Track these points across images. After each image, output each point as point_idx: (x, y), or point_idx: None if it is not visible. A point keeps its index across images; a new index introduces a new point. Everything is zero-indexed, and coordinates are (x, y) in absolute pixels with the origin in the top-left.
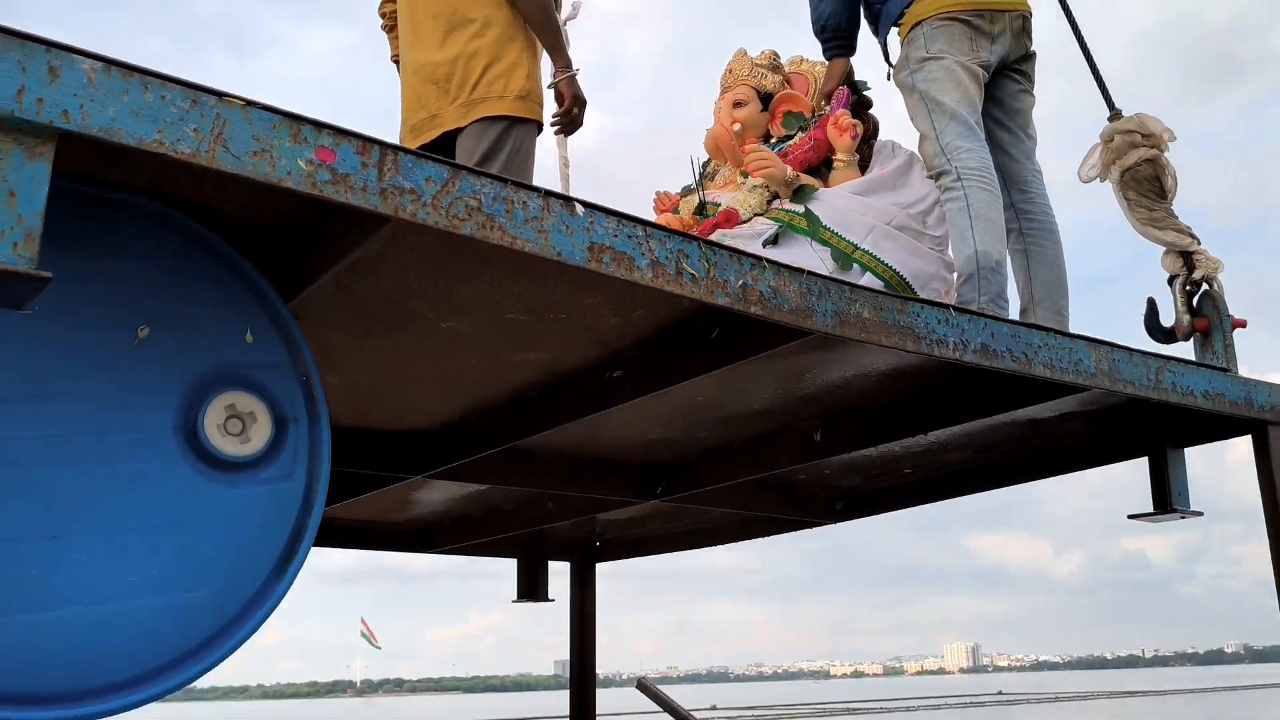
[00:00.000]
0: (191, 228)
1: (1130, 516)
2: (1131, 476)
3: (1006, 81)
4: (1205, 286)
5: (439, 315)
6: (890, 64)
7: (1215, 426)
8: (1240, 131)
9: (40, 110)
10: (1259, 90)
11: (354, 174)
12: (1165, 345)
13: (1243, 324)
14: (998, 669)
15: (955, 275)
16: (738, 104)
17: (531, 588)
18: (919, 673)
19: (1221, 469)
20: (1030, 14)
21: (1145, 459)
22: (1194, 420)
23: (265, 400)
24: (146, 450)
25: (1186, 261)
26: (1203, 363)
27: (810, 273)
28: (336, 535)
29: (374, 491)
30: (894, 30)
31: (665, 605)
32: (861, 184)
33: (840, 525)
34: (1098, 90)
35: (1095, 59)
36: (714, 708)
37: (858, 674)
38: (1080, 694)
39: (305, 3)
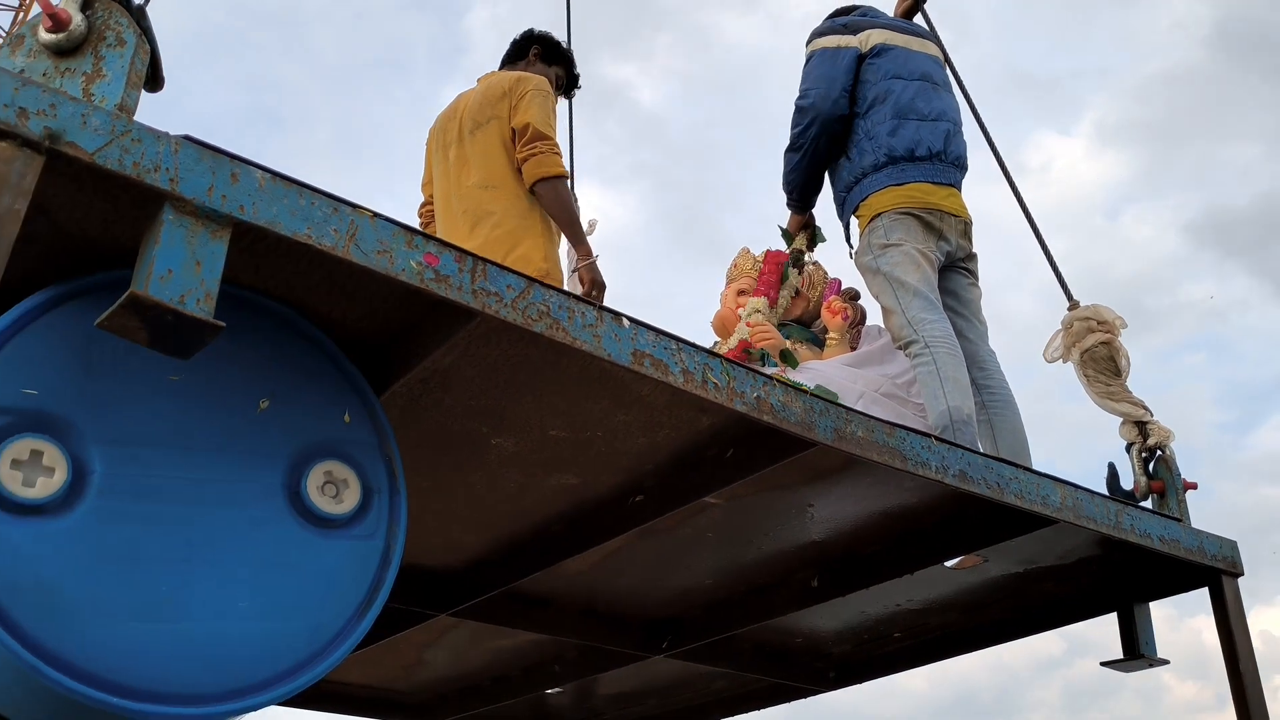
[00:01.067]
0: (310, 329)
1: (1103, 664)
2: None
3: (956, 276)
4: (1159, 452)
5: (490, 431)
6: (850, 244)
7: (1175, 579)
8: (1151, 376)
9: (224, 204)
10: (1168, 339)
11: (452, 276)
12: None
13: (1193, 486)
14: None
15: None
16: (741, 292)
17: None
18: None
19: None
20: (971, 222)
21: (1115, 614)
22: (1155, 574)
23: (356, 471)
24: (262, 501)
25: (1141, 431)
26: (1158, 511)
27: (811, 393)
28: (346, 702)
29: (393, 636)
30: (853, 219)
31: None
32: (852, 358)
33: None
34: (1058, 284)
35: (1055, 260)
36: None
37: None
38: None
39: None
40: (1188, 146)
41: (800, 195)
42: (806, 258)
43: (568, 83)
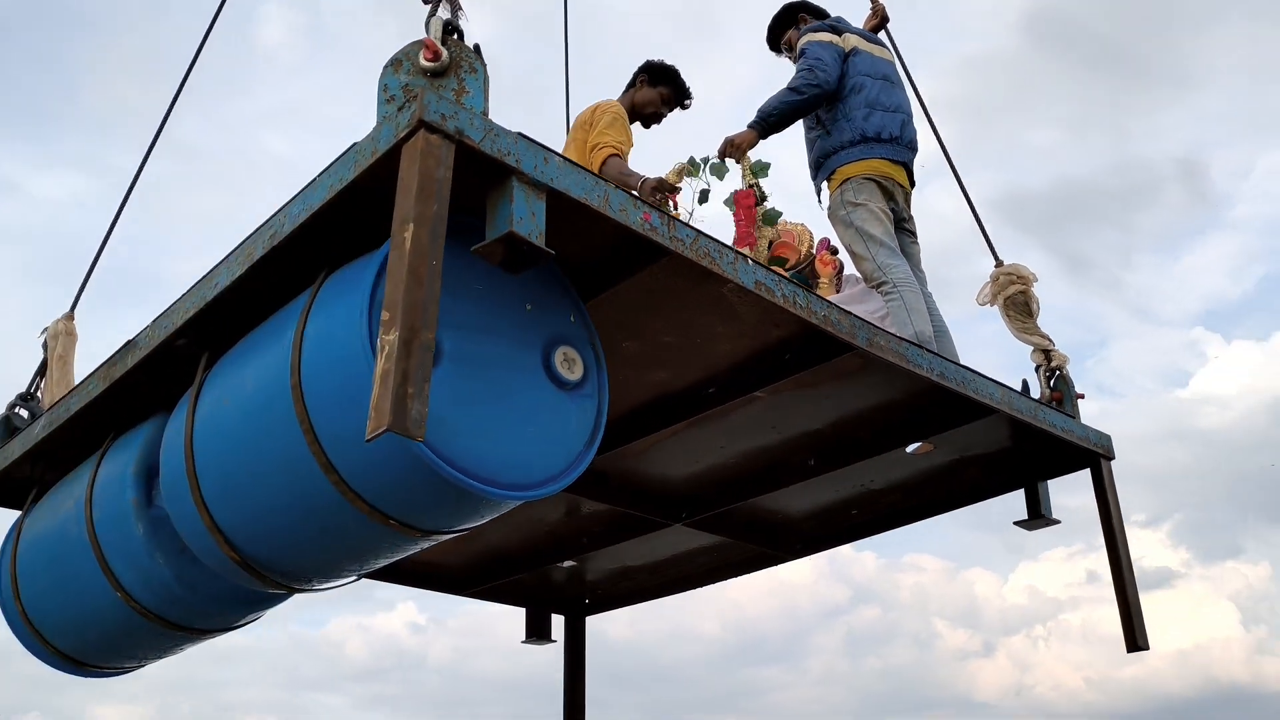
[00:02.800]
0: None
1: (1015, 523)
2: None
3: (902, 236)
4: (1059, 371)
5: (624, 337)
6: (821, 202)
7: (1068, 461)
8: None
9: (543, 176)
10: (964, 309)
11: (659, 227)
12: None
13: (1082, 396)
14: None
15: None
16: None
17: (538, 630)
18: None
19: (928, 663)
20: (911, 191)
21: (1022, 490)
22: (1054, 459)
23: (580, 353)
24: (534, 370)
25: (1046, 356)
26: (1061, 410)
27: (856, 316)
28: (393, 573)
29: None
30: (825, 182)
31: None
32: (840, 299)
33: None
34: (987, 247)
35: (986, 229)
36: None
37: None
38: None
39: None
40: (995, 127)
41: (773, 126)
42: (765, 198)
43: (676, 96)
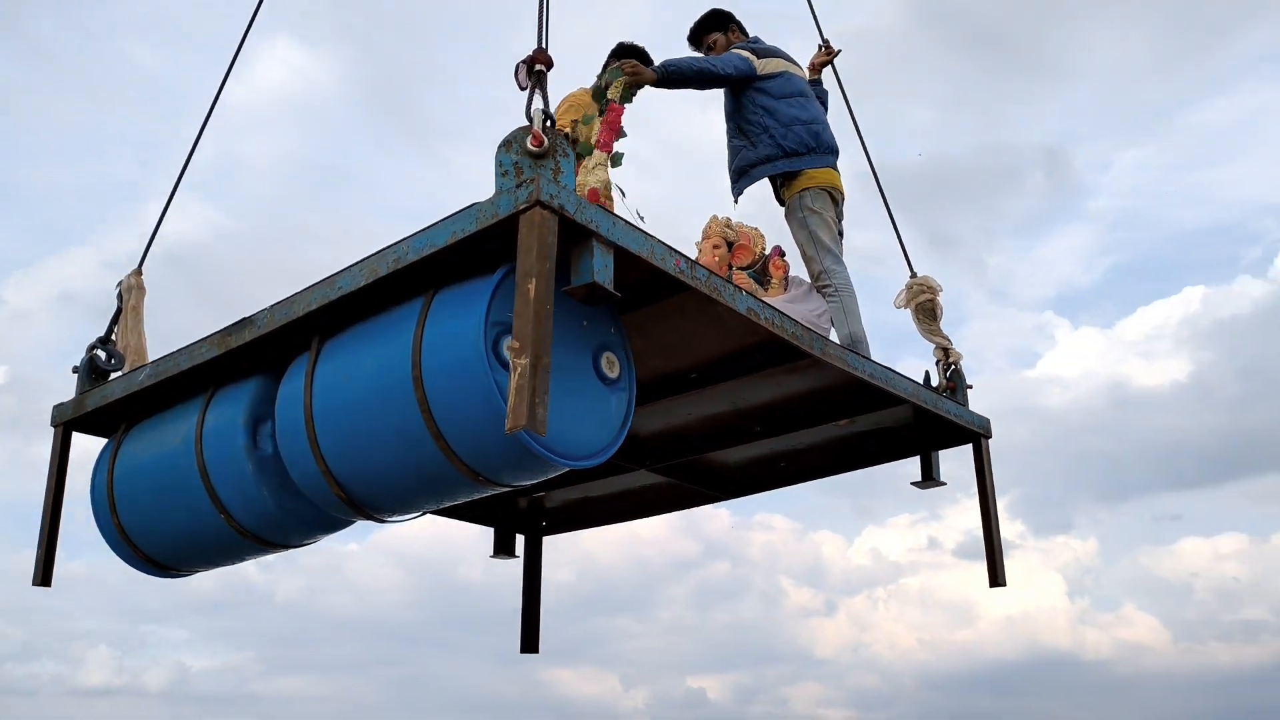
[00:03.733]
0: None
1: (913, 484)
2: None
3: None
4: (954, 367)
5: (636, 337)
6: (736, 203)
7: (954, 438)
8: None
9: (611, 236)
10: None
11: (684, 272)
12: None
13: (971, 386)
14: None
15: None
16: (716, 246)
17: (505, 548)
18: None
19: (774, 619)
20: (843, 194)
21: (918, 457)
22: (945, 435)
23: (617, 356)
24: (587, 372)
25: (946, 353)
26: (953, 399)
27: (815, 332)
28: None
29: None
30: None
31: None
32: (785, 299)
33: (423, 658)
34: (904, 261)
35: (902, 238)
36: None
37: None
38: None
39: None
40: (872, 100)
41: (672, 82)
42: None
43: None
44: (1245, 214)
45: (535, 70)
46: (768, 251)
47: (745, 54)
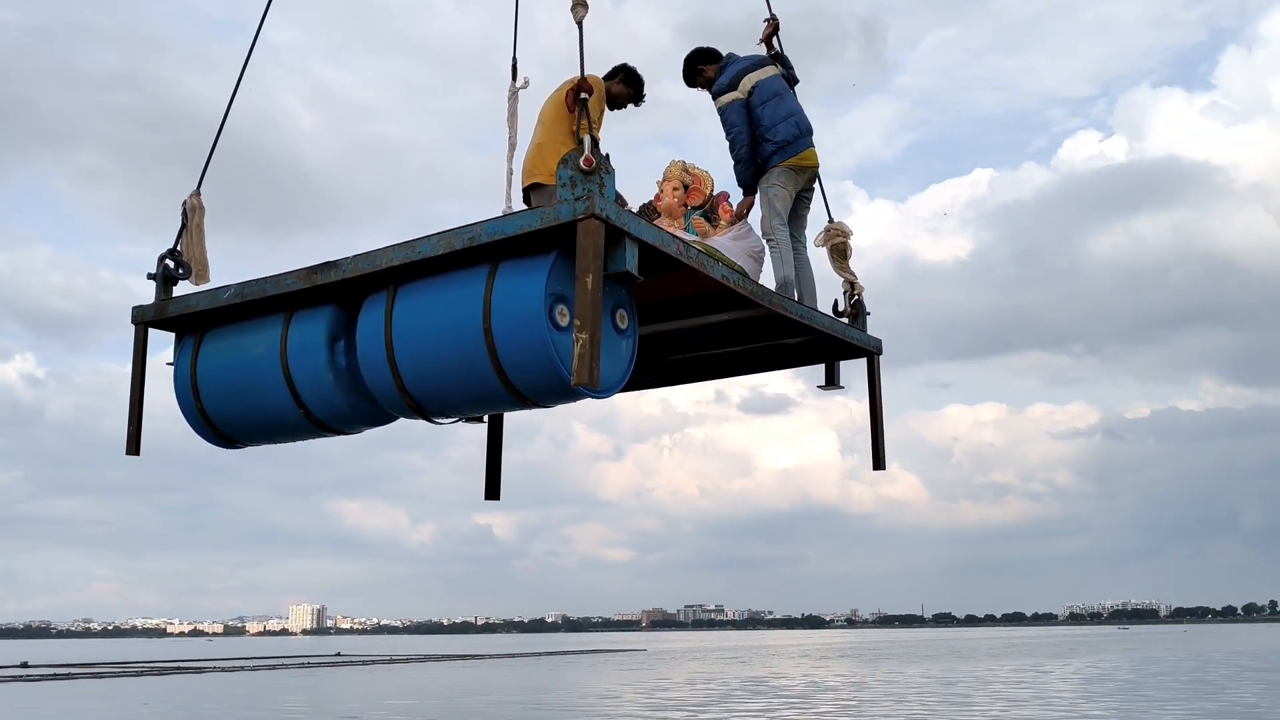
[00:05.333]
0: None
1: (819, 386)
2: (518, 463)
3: (798, 204)
4: (857, 297)
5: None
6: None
7: (854, 353)
8: (622, 160)
9: (634, 232)
10: (642, 129)
11: (685, 253)
12: (841, 319)
13: (870, 314)
14: (340, 631)
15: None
16: (675, 188)
17: None
18: (260, 633)
19: (563, 462)
20: (817, 167)
21: (823, 365)
22: (846, 350)
23: (627, 311)
24: (607, 325)
25: (852, 287)
26: (853, 326)
27: (766, 288)
28: None
29: None
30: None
31: None
32: (731, 235)
33: (207, 486)
34: (825, 207)
35: (825, 193)
36: (25, 664)
37: (196, 632)
38: (412, 656)
39: None
40: None
41: (745, 180)
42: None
43: (638, 98)
44: (1038, 103)
45: (580, 98)
46: (715, 194)
47: (729, 100)
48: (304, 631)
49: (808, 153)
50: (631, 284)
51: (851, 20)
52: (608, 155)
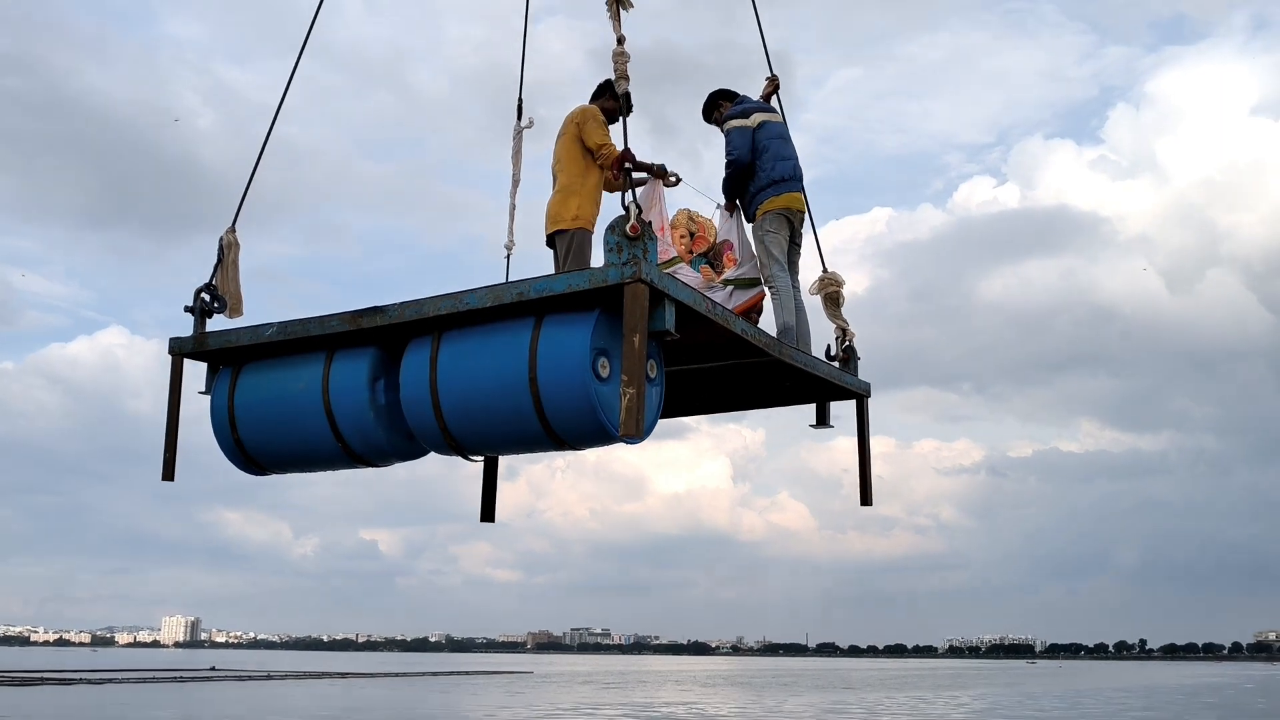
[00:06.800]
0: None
1: (811, 425)
2: (377, 476)
3: (791, 250)
4: (849, 343)
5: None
6: (748, 217)
7: (844, 395)
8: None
9: (674, 293)
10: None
11: (714, 310)
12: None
13: (859, 358)
14: (215, 645)
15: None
16: (682, 236)
17: None
18: (131, 644)
19: (452, 479)
20: (804, 212)
21: (813, 405)
22: (837, 392)
23: (657, 362)
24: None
25: (844, 332)
26: (847, 372)
27: (771, 338)
28: None
29: None
30: (756, 210)
31: None
32: (720, 294)
33: (76, 488)
34: (819, 257)
35: (820, 243)
36: None
37: (62, 641)
38: (290, 672)
39: None
40: None
41: (729, 194)
42: (700, 214)
43: (626, 110)
44: (937, 147)
45: (625, 168)
46: (719, 241)
47: (735, 125)
48: (176, 644)
49: (796, 195)
50: (669, 339)
51: (760, 54)
52: (650, 223)
